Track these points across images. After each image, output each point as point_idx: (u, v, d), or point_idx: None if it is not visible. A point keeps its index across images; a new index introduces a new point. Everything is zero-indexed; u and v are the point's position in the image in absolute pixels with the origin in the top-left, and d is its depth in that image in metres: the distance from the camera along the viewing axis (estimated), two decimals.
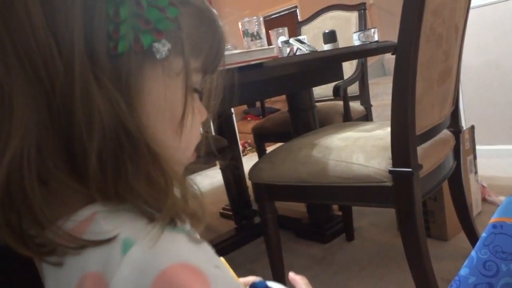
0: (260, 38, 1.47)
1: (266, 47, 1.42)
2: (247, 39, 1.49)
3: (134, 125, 0.30)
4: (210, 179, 3.25)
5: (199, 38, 0.35)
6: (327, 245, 1.74)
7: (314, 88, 1.78)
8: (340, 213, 1.78)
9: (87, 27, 0.29)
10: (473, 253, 0.90)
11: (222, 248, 1.84)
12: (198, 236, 0.32)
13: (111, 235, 0.29)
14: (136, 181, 0.30)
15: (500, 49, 2.43)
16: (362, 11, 2.26)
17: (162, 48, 0.31)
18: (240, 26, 1.51)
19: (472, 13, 1.33)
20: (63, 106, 0.29)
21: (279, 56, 1.51)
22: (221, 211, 2.35)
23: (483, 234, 0.90)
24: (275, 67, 1.19)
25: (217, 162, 2.57)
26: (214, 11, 0.37)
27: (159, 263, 0.27)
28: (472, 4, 1.30)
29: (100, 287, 0.28)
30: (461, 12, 1.19)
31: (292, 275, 0.52)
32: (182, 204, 0.32)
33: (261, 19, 1.47)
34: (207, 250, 0.33)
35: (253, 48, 1.38)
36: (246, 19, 1.48)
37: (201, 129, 0.39)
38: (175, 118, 0.34)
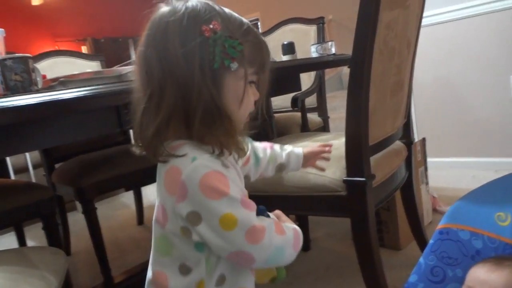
0: None
1: None
2: None
3: (221, 104, 0.61)
4: None
5: (253, 57, 0.65)
6: None
7: (272, 99, 1.79)
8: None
9: (200, 56, 0.59)
10: (421, 259, 0.92)
11: None
12: (230, 164, 0.64)
13: (189, 155, 0.61)
14: (219, 130, 0.61)
15: (450, 66, 2.55)
16: (321, 25, 2.31)
17: (234, 66, 0.61)
18: None
19: (424, 31, 1.39)
20: (187, 95, 0.60)
21: None
22: None
23: (431, 241, 0.92)
24: None
25: None
26: (263, 40, 0.67)
27: (204, 169, 0.59)
28: (424, 23, 1.35)
29: (177, 174, 0.60)
30: (413, 27, 1.24)
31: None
32: (238, 142, 0.64)
33: None
34: (231, 171, 0.63)
35: None
36: None
37: (253, 105, 0.69)
38: (239, 99, 0.64)
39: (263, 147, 0.88)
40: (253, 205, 0.63)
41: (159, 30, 0.61)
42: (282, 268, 0.75)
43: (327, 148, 0.95)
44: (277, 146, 0.91)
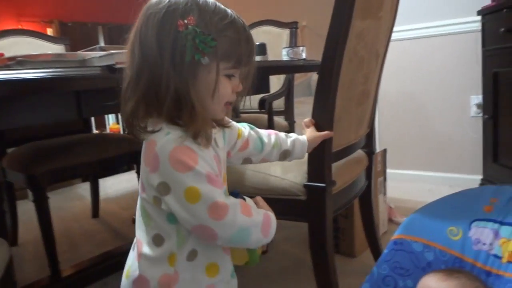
0: None
1: None
2: None
3: (188, 93, 0.64)
4: (126, 183, 3.11)
5: (230, 52, 0.67)
6: None
7: None
8: None
9: (173, 48, 0.63)
10: (374, 268, 0.93)
11: None
12: (202, 144, 0.66)
13: (164, 130, 0.65)
14: (185, 115, 0.65)
15: (415, 81, 2.63)
16: (294, 29, 2.32)
17: (205, 60, 0.64)
18: None
19: (393, 45, 1.42)
20: (157, 82, 0.64)
21: None
22: (134, 217, 2.24)
23: (385, 250, 0.94)
24: None
25: (135, 166, 2.46)
26: (245, 36, 0.69)
27: (175, 143, 0.63)
28: (393, 37, 1.38)
29: (152, 146, 0.64)
30: (383, 39, 1.26)
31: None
32: (203, 127, 0.65)
33: None
34: (205, 150, 0.66)
35: None
36: None
37: (233, 95, 0.72)
38: (211, 91, 0.67)
39: (267, 133, 0.91)
40: (220, 183, 0.67)
41: (143, 20, 0.66)
42: (255, 252, 0.77)
43: (332, 132, 1.00)
44: (282, 134, 0.93)
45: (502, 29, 1.94)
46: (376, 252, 1.49)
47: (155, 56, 0.63)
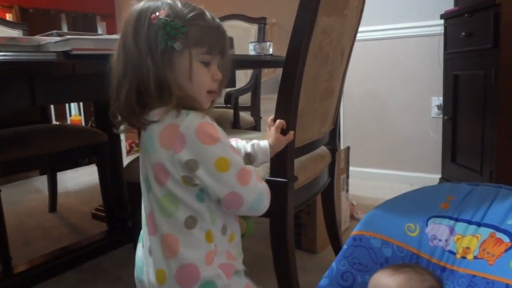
0: None
1: None
2: None
3: (167, 78, 0.70)
4: (88, 177, 3.01)
5: (201, 38, 0.72)
6: None
7: None
8: None
9: (148, 40, 0.69)
10: (333, 264, 0.93)
11: (90, 251, 1.69)
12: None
13: (181, 112, 0.70)
14: (165, 98, 0.70)
15: (379, 81, 2.68)
16: (262, 25, 2.31)
17: (177, 46, 0.69)
18: None
19: (359, 45, 1.43)
20: (140, 73, 0.70)
21: None
22: (94, 211, 2.18)
23: (344, 246, 0.94)
24: None
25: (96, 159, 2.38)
26: (215, 24, 0.74)
27: (198, 120, 0.69)
28: (359, 37, 1.39)
29: (175, 128, 0.68)
30: (348, 37, 1.26)
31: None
32: (189, 104, 0.71)
33: None
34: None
35: None
36: None
37: (214, 84, 0.76)
38: (187, 76, 0.72)
39: None
40: (238, 152, 0.75)
41: (124, 23, 0.73)
42: (251, 223, 0.84)
43: (291, 134, 0.99)
44: (243, 140, 0.93)
45: (463, 33, 2.00)
46: (337, 248, 1.50)
47: (134, 50, 0.70)
